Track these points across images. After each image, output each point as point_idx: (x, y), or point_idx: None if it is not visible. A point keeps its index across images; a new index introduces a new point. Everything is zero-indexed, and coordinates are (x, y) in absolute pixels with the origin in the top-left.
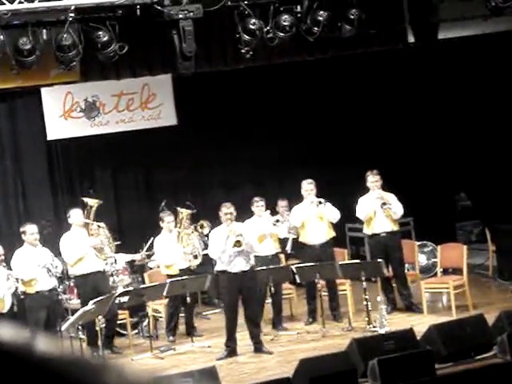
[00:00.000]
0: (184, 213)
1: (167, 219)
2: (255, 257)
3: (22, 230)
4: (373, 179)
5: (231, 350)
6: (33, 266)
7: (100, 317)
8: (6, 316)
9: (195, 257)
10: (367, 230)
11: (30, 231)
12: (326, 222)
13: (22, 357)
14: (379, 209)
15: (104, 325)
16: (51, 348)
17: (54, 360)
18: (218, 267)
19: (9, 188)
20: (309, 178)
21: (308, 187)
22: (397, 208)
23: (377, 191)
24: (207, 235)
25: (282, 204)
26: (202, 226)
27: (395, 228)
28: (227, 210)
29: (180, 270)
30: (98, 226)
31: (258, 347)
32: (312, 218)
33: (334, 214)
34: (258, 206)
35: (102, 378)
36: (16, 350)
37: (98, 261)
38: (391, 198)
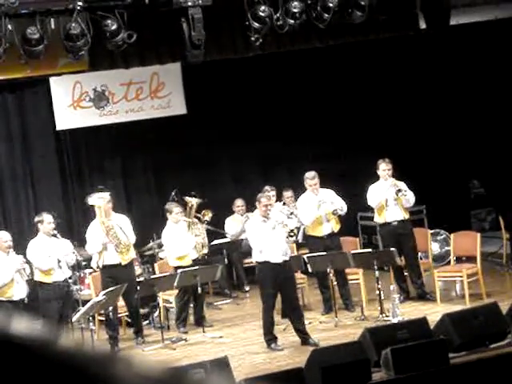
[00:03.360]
0: (193, 202)
1: (176, 210)
2: None
3: (38, 219)
4: (386, 167)
5: (272, 340)
6: (51, 255)
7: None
8: (19, 305)
9: (202, 246)
10: (379, 219)
11: (48, 220)
12: (334, 217)
13: (30, 348)
14: (391, 197)
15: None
16: (61, 339)
17: (62, 351)
18: (258, 258)
19: (18, 177)
20: (319, 166)
21: (311, 182)
22: (410, 196)
23: (390, 180)
24: (210, 223)
25: (287, 195)
26: (204, 215)
27: (406, 216)
28: (267, 201)
29: (192, 260)
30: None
31: (305, 339)
32: (321, 214)
33: (343, 209)
34: (269, 195)
35: (110, 369)
36: (25, 342)
37: (116, 255)
38: (403, 186)
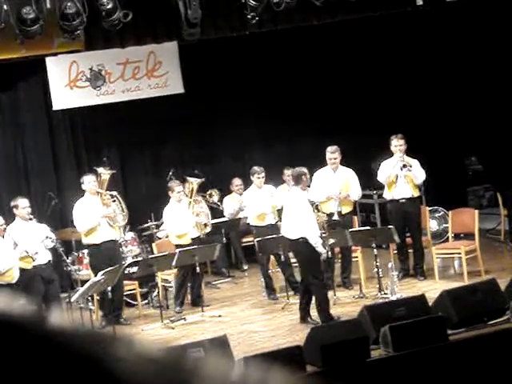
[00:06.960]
0: (194, 182)
1: (177, 189)
2: (255, 227)
3: (13, 204)
4: (397, 143)
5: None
6: (31, 240)
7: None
8: (16, 287)
9: (205, 225)
10: (387, 195)
11: (23, 205)
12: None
13: (27, 329)
14: (401, 173)
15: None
16: (56, 320)
17: (59, 332)
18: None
19: (10, 157)
20: (319, 145)
21: (331, 156)
22: (418, 172)
23: (399, 154)
24: (217, 203)
25: (288, 173)
26: (210, 195)
27: (415, 194)
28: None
29: (192, 239)
30: (111, 196)
31: (305, 317)
32: (335, 192)
33: (358, 193)
34: (259, 177)
35: (111, 349)
36: (21, 323)
37: (111, 230)
38: (414, 163)
